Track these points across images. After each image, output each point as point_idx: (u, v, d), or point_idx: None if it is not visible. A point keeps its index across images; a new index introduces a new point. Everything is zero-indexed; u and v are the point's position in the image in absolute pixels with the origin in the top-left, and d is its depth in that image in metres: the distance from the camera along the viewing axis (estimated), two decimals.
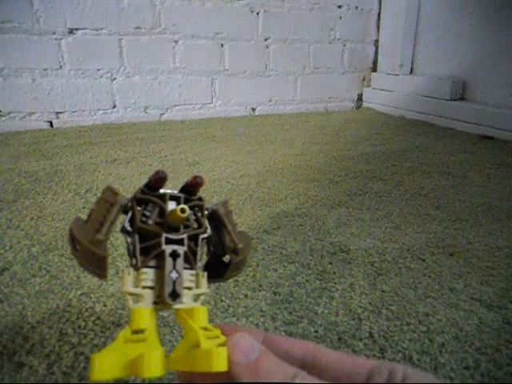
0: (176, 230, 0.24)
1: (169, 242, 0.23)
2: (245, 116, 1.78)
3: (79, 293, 0.50)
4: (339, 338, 0.43)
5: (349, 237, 0.66)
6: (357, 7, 1.84)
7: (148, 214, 0.24)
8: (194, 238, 0.25)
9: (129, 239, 0.24)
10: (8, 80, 1.40)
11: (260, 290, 0.51)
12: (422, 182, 0.92)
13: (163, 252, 0.23)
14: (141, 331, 0.21)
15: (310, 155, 1.14)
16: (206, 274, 0.25)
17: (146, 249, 0.23)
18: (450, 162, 1.08)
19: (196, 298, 0.24)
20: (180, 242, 0.24)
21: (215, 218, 0.26)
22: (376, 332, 0.44)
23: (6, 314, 0.46)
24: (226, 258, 0.28)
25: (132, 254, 0.23)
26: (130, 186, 0.89)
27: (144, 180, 1.01)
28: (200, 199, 0.26)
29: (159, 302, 0.22)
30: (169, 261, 0.23)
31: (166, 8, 1.54)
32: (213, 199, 0.82)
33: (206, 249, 0.28)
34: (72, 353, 0.40)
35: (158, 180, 0.24)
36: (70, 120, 1.52)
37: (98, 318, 0.45)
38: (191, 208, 0.25)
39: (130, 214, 0.24)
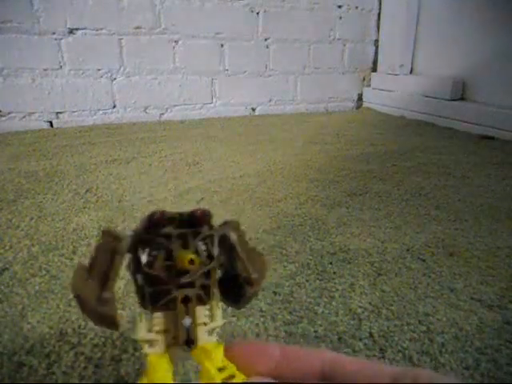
0: (186, 270, 0.22)
1: (179, 285, 0.22)
2: (245, 116, 1.78)
3: None
4: (339, 338, 0.43)
5: (349, 237, 0.66)
6: (357, 7, 1.84)
7: (155, 253, 0.22)
8: (205, 273, 0.23)
9: (137, 280, 0.22)
10: (8, 80, 1.40)
11: (260, 290, 0.51)
12: (421, 182, 0.92)
13: (174, 298, 0.22)
14: None
15: (310, 155, 1.14)
16: (221, 304, 0.24)
17: (156, 293, 0.22)
18: (450, 161, 1.08)
19: (211, 331, 0.23)
20: (191, 284, 0.22)
21: (226, 243, 0.25)
22: (376, 332, 0.44)
23: (6, 314, 0.46)
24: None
25: (141, 298, 0.22)
26: (130, 186, 0.89)
27: (144, 180, 1.00)
28: (210, 227, 0.24)
29: (174, 344, 0.22)
30: (181, 307, 0.22)
31: (165, 8, 1.54)
32: (213, 199, 0.82)
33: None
34: (72, 353, 0.40)
35: (154, 222, 0.22)
36: (70, 120, 1.52)
37: None
38: (201, 240, 0.23)
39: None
